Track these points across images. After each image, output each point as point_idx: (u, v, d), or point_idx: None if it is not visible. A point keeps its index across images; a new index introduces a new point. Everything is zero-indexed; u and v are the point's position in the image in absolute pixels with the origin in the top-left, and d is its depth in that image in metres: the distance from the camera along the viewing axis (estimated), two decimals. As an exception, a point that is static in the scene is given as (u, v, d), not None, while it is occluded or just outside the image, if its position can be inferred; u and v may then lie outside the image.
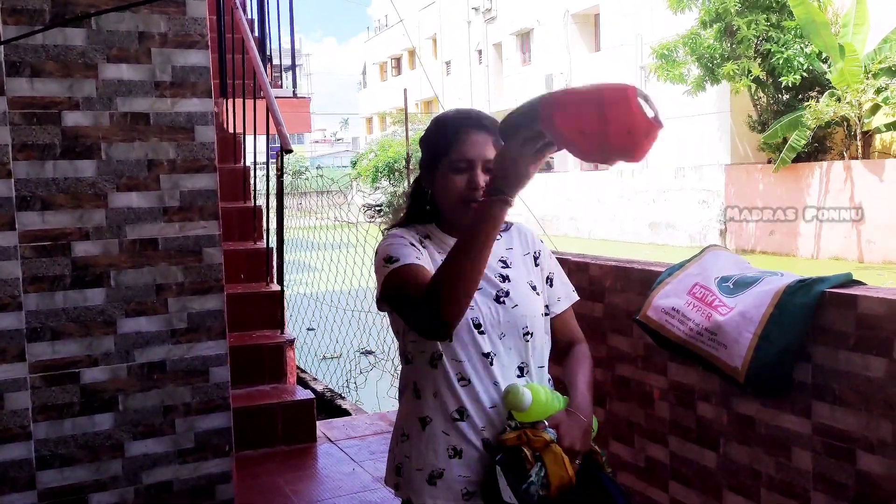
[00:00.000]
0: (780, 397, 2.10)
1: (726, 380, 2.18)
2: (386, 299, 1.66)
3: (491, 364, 1.69)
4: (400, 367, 1.85)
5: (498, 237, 1.67)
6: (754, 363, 2.06)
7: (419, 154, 1.88)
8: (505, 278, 1.76)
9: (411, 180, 2.01)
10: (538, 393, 1.66)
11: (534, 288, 1.79)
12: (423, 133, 1.83)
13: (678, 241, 19.81)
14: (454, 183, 1.71)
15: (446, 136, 1.73)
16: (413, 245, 1.69)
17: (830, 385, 1.98)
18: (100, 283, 2.69)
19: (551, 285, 1.87)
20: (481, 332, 1.69)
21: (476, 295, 1.66)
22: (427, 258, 1.69)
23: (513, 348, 1.72)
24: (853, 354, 1.92)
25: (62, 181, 2.63)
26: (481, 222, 1.47)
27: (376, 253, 1.72)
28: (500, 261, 1.78)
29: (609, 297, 2.75)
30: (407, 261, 1.64)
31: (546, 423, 1.65)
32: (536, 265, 1.84)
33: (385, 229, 1.84)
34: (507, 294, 1.74)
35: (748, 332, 2.08)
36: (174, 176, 2.76)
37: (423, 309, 1.51)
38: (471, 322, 1.68)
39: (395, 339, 1.85)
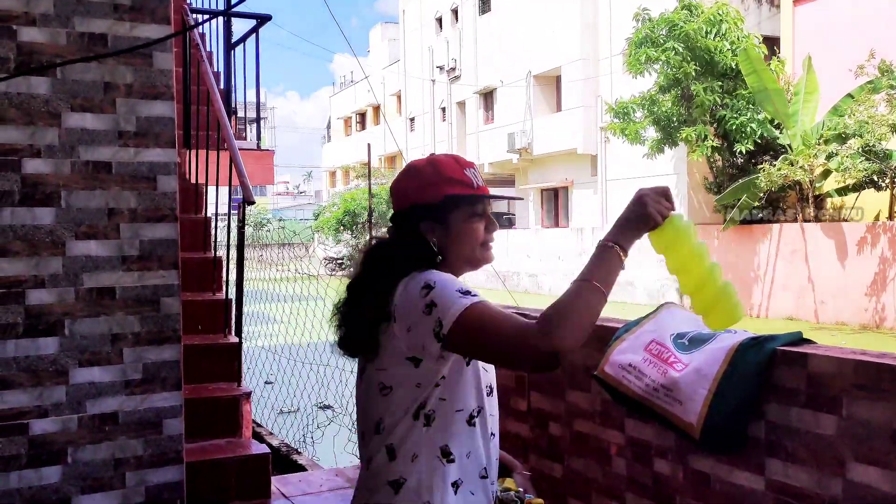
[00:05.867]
0: (735, 454, 2.13)
1: (682, 436, 2.21)
2: (465, 335, 1.50)
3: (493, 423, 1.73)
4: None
5: None
6: (709, 419, 2.09)
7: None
8: None
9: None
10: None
11: None
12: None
13: (636, 299, 20.04)
14: (472, 229, 1.67)
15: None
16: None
17: (783, 442, 2.01)
18: (53, 332, 2.64)
19: None
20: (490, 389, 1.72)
21: None
22: None
23: None
24: (804, 412, 1.96)
25: (19, 228, 2.59)
26: (617, 269, 1.55)
27: (429, 287, 1.55)
28: None
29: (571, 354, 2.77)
30: (481, 298, 1.53)
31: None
32: None
33: (403, 275, 1.63)
34: None
35: (703, 388, 2.11)
36: (134, 225, 2.75)
37: (535, 339, 1.42)
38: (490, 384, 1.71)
39: (383, 399, 1.63)
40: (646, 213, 1.57)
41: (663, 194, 1.60)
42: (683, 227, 1.65)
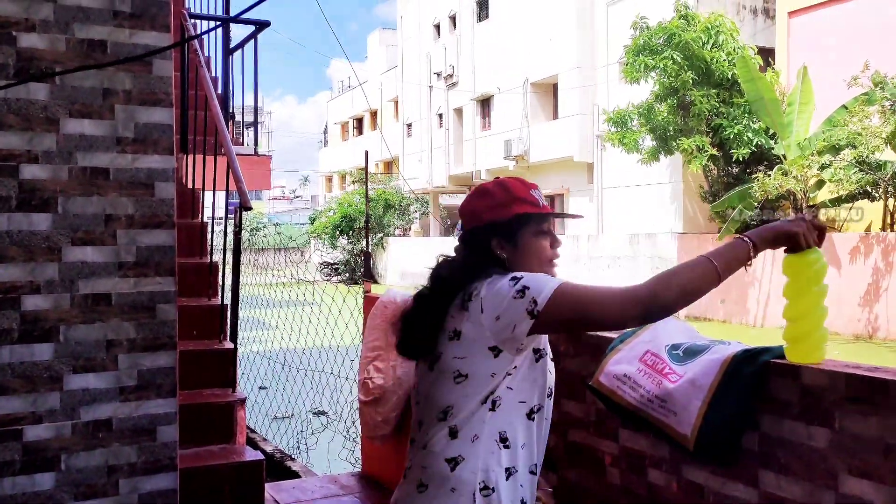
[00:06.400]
0: (729, 465, 2.14)
1: (676, 447, 2.22)
2: (562, 306, 1.62)
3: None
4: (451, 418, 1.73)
5: None
6: (703, 431, 2.10)
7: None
8: None
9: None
10: None
11: None
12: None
13: (632, 307, 20.05)
14: (540, 246, 1.81)
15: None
16: None
17: (776, 454, 2.02)
18: (48, 338, 2.64)
19: None
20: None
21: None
22: None
23: None
24: (797, 424, 1.97)
25: (16, 234, 2.59)
26: (742, 262, 1.67)
27: (517, 278, 1.67)
28: None
29: (562, 362, 2.78)
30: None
31: None
32: None
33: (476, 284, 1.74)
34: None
35: (697, 399, 2.12)
36: (131, 231, 2.75)
37: (642, 294, 1.56)
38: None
39: (463, 383, 1.71)
40: (794, 232, 1.75)
41: (819, 228, 1.79)
42: (819, 263, 1.88)
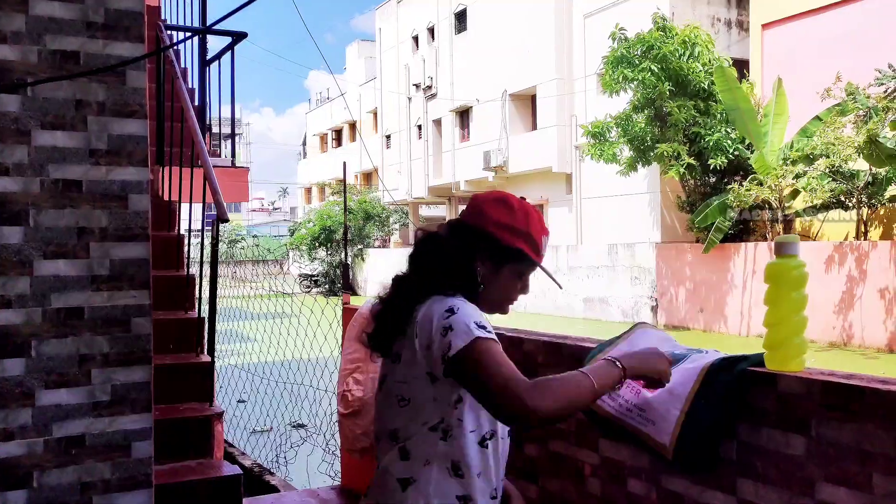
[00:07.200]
0: (707, 474, 2.14)
1: (655, 456, 2.21)
2: (465, 363, 1.58)
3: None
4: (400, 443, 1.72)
5: None
6: (681, 440, 2.10)
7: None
8: None
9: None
10: None
11: None
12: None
13: (611, 317, 20.15)
14: (514, 285, 1.81)
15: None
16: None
17: (754, 462, 2.02)
18: (20, 353, 2.59)
19: None
20: None
21: None
22: None
23: None
24: (775, 432, 1.97)
25: (-14, 247, 2.55)
26: (614, 384, 1.67)
27: (452, 311, 1.63)
28: None
29: (542, 372, 2.78)
30: (495, 338, 1.62)
31: None
32: None
33: (435, 296, 1.70)
34: None
35: (675, 408, 2.12)
36: (105, 244, 2.71)
37: (521, 398, 1.51)
38: None
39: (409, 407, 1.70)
40: (661, 371, 1.76)
41: (671, 364, 1.82)
42: (799, 269, 1.95)
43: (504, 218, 1.76)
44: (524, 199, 1.84)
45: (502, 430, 1.76)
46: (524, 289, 1.83)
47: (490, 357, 1.57)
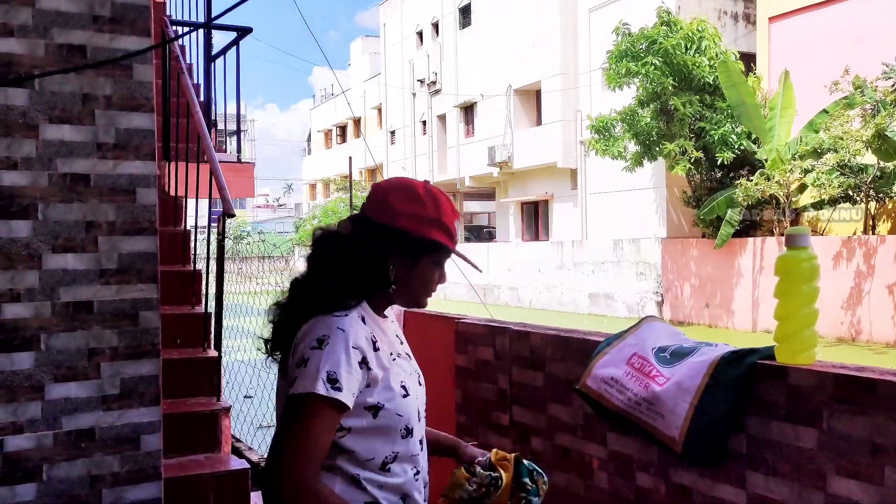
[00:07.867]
0: (716, 467, 2.13)
1: (664, 449, 2.21)
2: (291, 407, 1.48)
3: (421, 447, 1.69)
4: None
5: (386, 314, 1.69)
6: (690, 433, 2.09)
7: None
8: (409, 356, 1.73)
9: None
10: None
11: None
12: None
13: (616, 312, 20.12)
14: (432, 276, 1.67)
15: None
16: (361, 366, 1.52)
17: (764, 455, 2.01)
18: (29, 347, 2.60)
19: None
20: (419, 420, 1.68)
21: (412, 382, 1.65)
22: (376, 364, 1.55)
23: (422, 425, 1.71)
24: (785, 425, 1.96)
25: (-5, 241, 2.55)
26: None
27: (321, 343, 1.51)
28: (397, 336, 1.72)
29: (549, 366, 2.77)
30: (338, 399, 1.47)
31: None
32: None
33: (330, 307, 1.58)
34: (419, 374, 1.73)
35: (685, 402, 2.11)
36: (113, 238, 2.71)
37: (292, 478, 1.43)
38: (419, 411, 1.66)
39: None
40: None
41: None
42: (812, 264, 1.96)
43: (413, 208, 1.60)
44: (427, 182, 1.70)
45: (411, 443, 1.63)
46: (442, 278, 1.70)
47: (308, 423, 1.45)
